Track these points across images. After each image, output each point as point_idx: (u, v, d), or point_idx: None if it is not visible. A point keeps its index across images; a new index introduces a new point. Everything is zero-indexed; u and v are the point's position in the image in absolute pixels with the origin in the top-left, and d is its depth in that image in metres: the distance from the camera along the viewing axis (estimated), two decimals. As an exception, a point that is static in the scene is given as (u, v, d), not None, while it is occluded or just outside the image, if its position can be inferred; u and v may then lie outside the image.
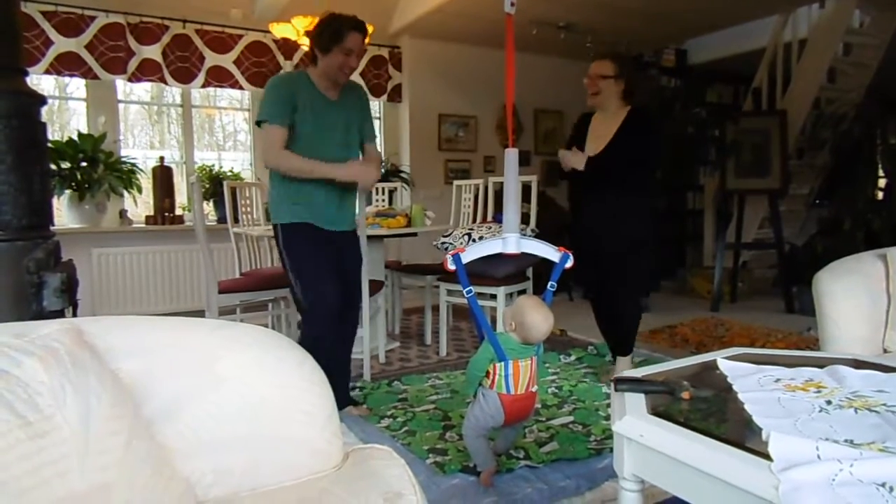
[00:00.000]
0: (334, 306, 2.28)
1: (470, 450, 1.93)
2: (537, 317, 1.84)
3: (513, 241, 1.96)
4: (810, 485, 0.85)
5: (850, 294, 1.85)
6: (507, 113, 2.33)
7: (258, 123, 2.31)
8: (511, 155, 2.08)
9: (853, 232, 4.36)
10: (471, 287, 1.89)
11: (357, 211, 2.62)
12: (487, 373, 1.85)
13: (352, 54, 2.29)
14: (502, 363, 1.82)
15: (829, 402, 1.15)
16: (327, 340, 2.28)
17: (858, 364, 1.40)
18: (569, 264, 1.95)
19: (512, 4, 2.04)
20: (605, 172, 2.72)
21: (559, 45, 5.33)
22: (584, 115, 2.96)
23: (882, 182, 5.04)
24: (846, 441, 0.96)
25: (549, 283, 1.96)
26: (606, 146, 2.72)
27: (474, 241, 3.37)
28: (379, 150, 2.64)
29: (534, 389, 1.90)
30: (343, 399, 2.46)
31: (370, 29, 4.17)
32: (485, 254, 1.94)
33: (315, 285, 2.29)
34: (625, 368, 2.92)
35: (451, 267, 1.86)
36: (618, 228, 2.72)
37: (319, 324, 2.27)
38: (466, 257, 1.89)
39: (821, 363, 1.41)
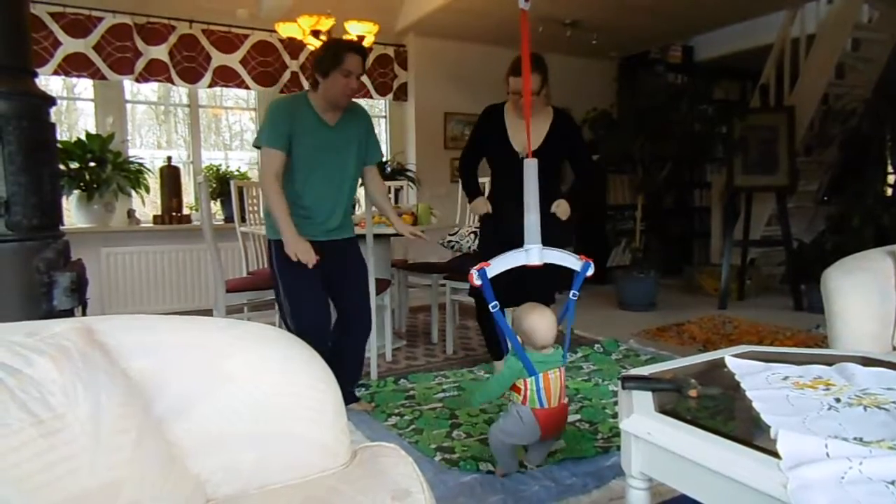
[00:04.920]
0: (320, 330, 2.38)
1: (495, 454, 1.92)
2: (534, 317, 1.83)
3: (535, 252, 1.96)
4: (819, 483, 0.85)
5: (859, 291, 1.84)
6: (524, 117, 2.31)
7: (256, 146, 2.42)
8: (531, 165, 2.08)
9: (862, 229, 4.32)
10: (496, 301, 1.85)
11: (362, 207, 2.64)
12: (518, 389, 1.83)
13: (351, 76, 2.33)
14: (533, 378, 1.80)
15: (838, 400, 1.14)
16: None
17: (867, 361, 1.39)
18: (590, 273, 1.94)
19: (526, 0, 2.03)
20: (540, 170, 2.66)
21: (565, 43, 5.31)
22: (493, 109, 2.87)
23: (891, 178, 5.00)
24: (855, 439, 0.96)
25: (571, 293, 1.96)
26: (543, 143, 2.66)
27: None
28: (378, 171, 2.68)
29: (564, 401, 1.90)
30: (346, 396, 2.49)
31: (375, 28, 4.20)
32: (509, 266, 1.92)
33: (300, 311, 2.38)
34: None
35: (478, 282, 1.83)
36: (546, 237, 2.49)
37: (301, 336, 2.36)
38: (492, 272, 1.86)
39: (829, 361, 1.40)
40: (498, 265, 1.89)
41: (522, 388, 1.82)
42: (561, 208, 2.66)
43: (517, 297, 2.11)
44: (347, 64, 2.30)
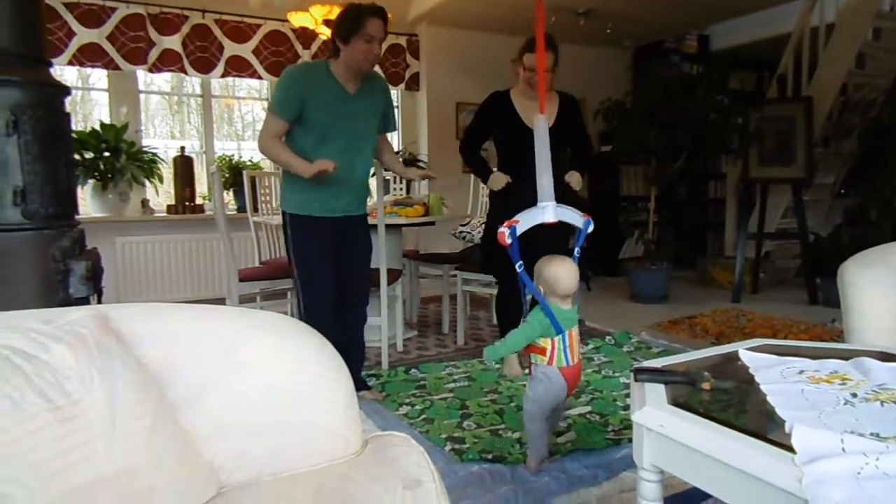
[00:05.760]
0: (328, 298, 2.41)
1: (530, 436, 1.91)
2: (555, 265, 1.82)
3: (551, 209, 1.94)
4: (835, 478, 0.84)
5: (876, 285, 1.81)
6: (538, 77, 2.27)
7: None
8: (542, 121, 2.06)
9: (880, 222, 4.26)
10: (521, 262, 1.83)
11: (374, 197, 2.64)
12: (543, 350, 1.82)
13: (373, 41, 2.28)
14: (559, 336, 1.80)
15: (854, 395, 1.13)
16: (324, 326, 2.34)
17: (885, 356, 1.37)
18: (590, 229, 1.94)
19: None
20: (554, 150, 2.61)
21: (579, 32, 5.26)
22: (500, 95, 2.85)
23: (911, 170, 4.91)
24: (872, 434, 0.95)
25: (575, 249, 1.94)
26: (553, 124, 2.62)
27: (492, 229, 3.36)
28: (390, 141, 2.73)
29: (580, 357, 1.90)
30: (356, 383, 2.51)
31: (388, 17, 4.16)
32: (534, 223, 1.91)
33: (311, 279, 2.40)
34: (514, 366, 2.90)
35: (509, 241, 1.80)
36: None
37: (313, 312, 2.40)
38: (520, 228, 1.84)
39: (846, 355, 1.38)
40: (525, 222, 1.88)
41: (549, 348, 1.81)
42: (574, 178, 2.70)
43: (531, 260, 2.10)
44: (369, 28, 2.26)
